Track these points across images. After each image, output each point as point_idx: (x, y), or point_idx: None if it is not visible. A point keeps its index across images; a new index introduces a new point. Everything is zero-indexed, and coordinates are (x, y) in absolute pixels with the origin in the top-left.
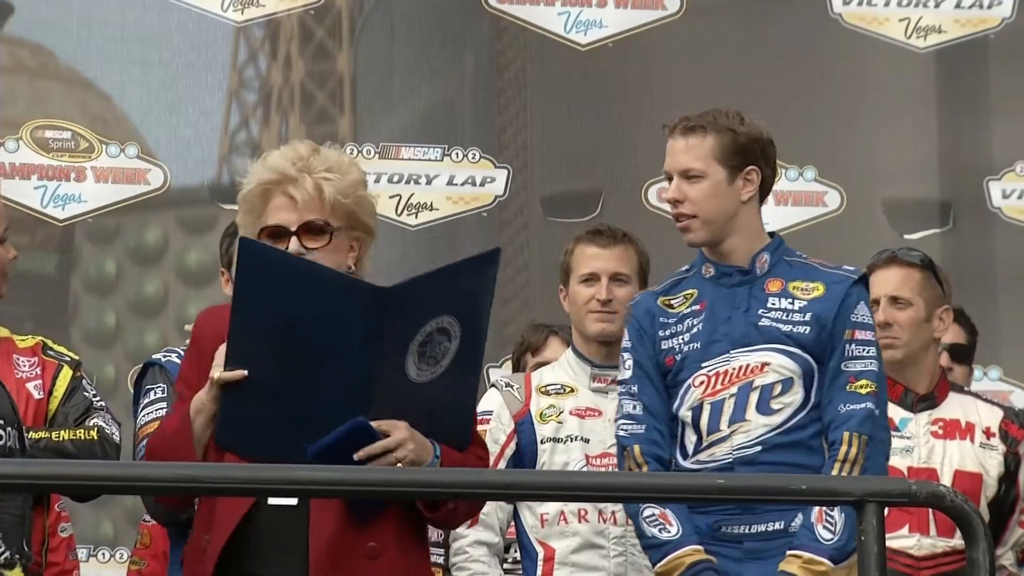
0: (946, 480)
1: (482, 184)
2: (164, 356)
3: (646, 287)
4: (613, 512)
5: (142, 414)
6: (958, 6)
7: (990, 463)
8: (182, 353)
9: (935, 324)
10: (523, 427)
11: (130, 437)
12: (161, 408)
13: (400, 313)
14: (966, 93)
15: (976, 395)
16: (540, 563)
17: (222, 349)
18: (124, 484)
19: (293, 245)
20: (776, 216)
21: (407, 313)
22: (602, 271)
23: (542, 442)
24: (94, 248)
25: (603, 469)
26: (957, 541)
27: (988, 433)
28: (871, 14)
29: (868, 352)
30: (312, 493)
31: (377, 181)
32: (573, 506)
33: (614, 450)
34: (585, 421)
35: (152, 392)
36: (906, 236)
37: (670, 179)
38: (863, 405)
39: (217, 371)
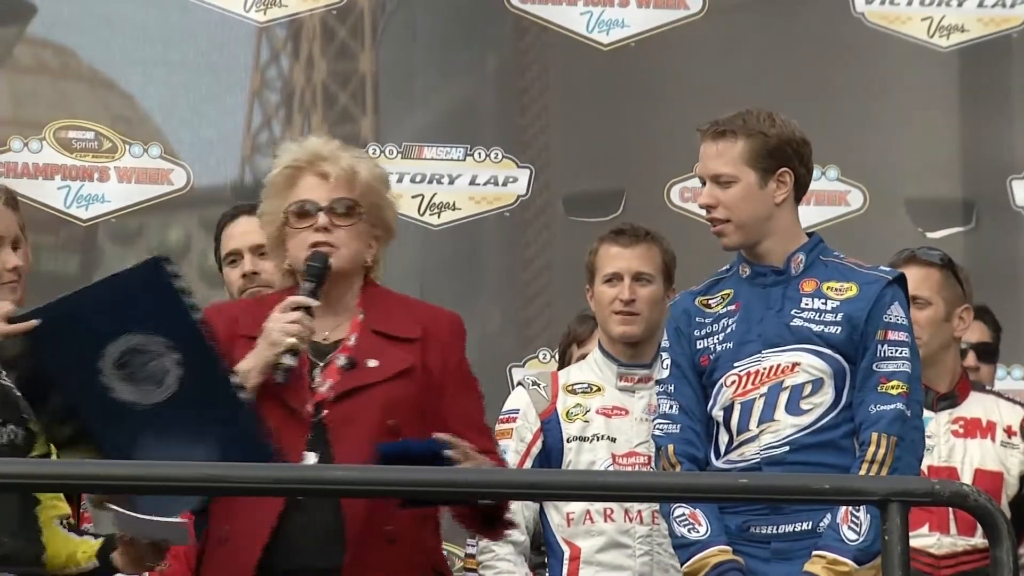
0: (966, 479)
1: (504, 184)
2: None
3: (671, 285)
4: (639, 511)
5: None
6: (981, 5)
7: (1011, 462)
8: None
9: (955, 323)
10: (549, 426)
11: None
12: None
13: (71, 336)
14: (989, 92)
15: (998, 394)
16: (566, 562)
17: (279, 316)
18: (133, 484)
19: (321, 220)
20: (800, 216)
21: (78, 335)
22: (624, 271)
23: (568, 441)
24: (117, 248)
25: (630, 468)
26: (977, 540)
27: (1009, 432)
28: (893, 13)
29: (901, 353)
30: (346, 493)
31: (400, 181)
32: (599, 505)
33: (641, 449)
34: (612, 420)
35: None
36: (929, 235)
37: (704, 183)
38: (893, 406)
39: (288, 339)
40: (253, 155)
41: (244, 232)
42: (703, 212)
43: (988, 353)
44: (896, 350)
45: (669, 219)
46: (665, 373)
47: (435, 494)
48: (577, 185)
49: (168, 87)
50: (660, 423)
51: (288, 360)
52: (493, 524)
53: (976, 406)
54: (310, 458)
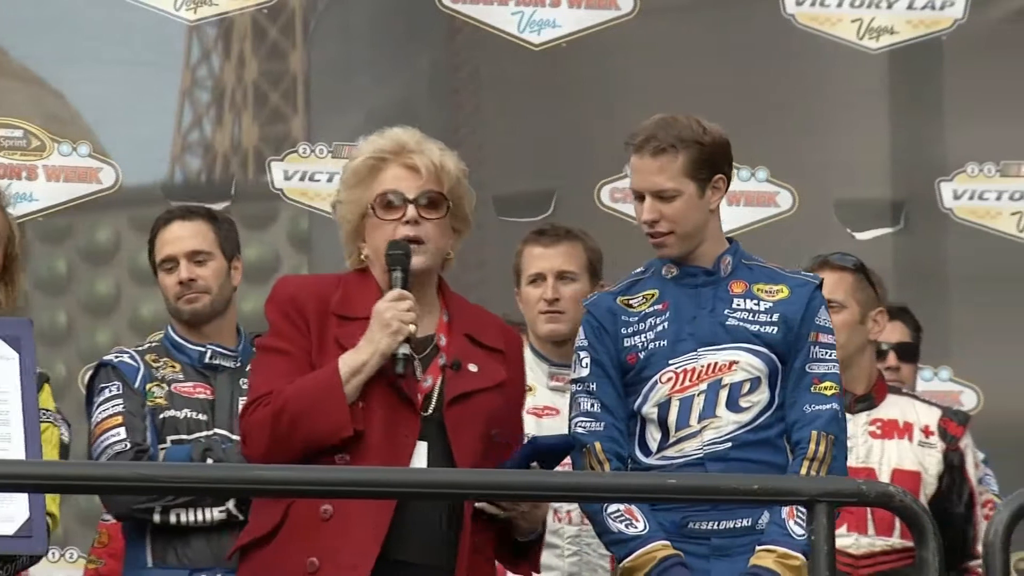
0: (884, 479)
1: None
2: (116, 356)
3: (599, 282)
4: (568, 511)
5: (97, 412)
6: (910, 7)
7: (929, 461)
8: (133, 353)
9: (870, 326)
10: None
11: (83, 437)
12: (117, 405)
13: None
14: (918, 94)
15: (914, 396)
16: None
17: (392, 304)
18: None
19: (411, 212)
20: (728, 216)
21: None
22: (547, 270)
23: None
24: (45, 247)
25: (561, 468)
26: (895, 540)
27: (927, 432)
28: (823, 15)
29: (830, 355)
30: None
31: (330, 181)
32: None
33: None
34: (543, 420)
35: (106, 391)
36: (857, 236)
37: (640, 197)
38: (829, 406)
39: (407, 328)
40: (183, 154)
41: (179, 238)
42: (635, 216)
43: (908, 353)
44: (827, 352)
45: (599, 219)
46: (584, 372)
47: (390, 494)
48: (508, 185)
49: (98, 85)
50: (583, 421)
51: (406, 350)
52: (520, 558)
53: (893, 408)
54: (422, 448)
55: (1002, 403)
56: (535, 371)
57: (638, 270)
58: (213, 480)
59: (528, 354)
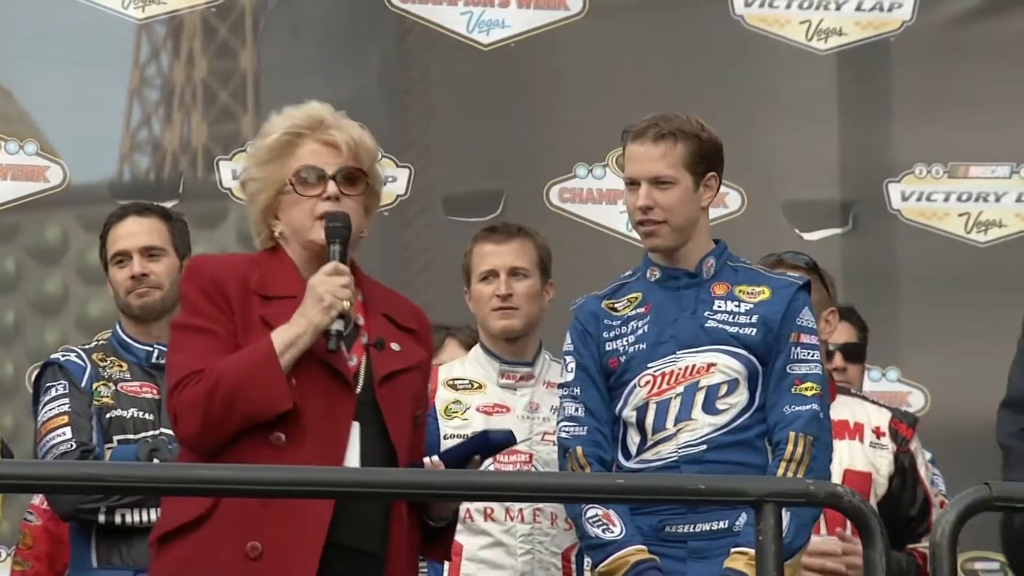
0: (836, 479)
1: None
2: (63, 355)
3: (549, 280)
4: (520, 510)
5: (43, 411)
6: (859, 8)
7: (880, 462)
8: (80, 352)
9: (822, 326)
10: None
11: (26, 436)
12: (63, 405)
13: None
14: (867, 95)
15: (864, 397)
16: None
17: (328, 279)
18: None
19: (331, 189)
20: None
21: None
22: (500, 267)
23: (445, 437)
24: None
25: (511, 467)
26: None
27: (878, 432)
28: (772, 16)
29: (812, 356)
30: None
31: None
32: (479, 504)
33: (522, 447)
34: (492, 418)
35: (52, 390)
36: (805, 237)
37: (633, 184)
38: (809, 407)
39: (341, 303)
40: (132, 153)
41: (132, 233)
42: (626, 207)
43: (855, 353)
44: (809, 353)
45: (548, 219)
46: (570, 376)
47: (389, 495)
48: (457, 185)
49: (46, 83)
50: (566, 425)
51: (339, 325)
52: (432, 543)
53: (843, 409)
54: (356, 428)
55: (950, 404)
56: (486, 369)
57: (626, 273)
58: (159, 480)
59: (479, 352)
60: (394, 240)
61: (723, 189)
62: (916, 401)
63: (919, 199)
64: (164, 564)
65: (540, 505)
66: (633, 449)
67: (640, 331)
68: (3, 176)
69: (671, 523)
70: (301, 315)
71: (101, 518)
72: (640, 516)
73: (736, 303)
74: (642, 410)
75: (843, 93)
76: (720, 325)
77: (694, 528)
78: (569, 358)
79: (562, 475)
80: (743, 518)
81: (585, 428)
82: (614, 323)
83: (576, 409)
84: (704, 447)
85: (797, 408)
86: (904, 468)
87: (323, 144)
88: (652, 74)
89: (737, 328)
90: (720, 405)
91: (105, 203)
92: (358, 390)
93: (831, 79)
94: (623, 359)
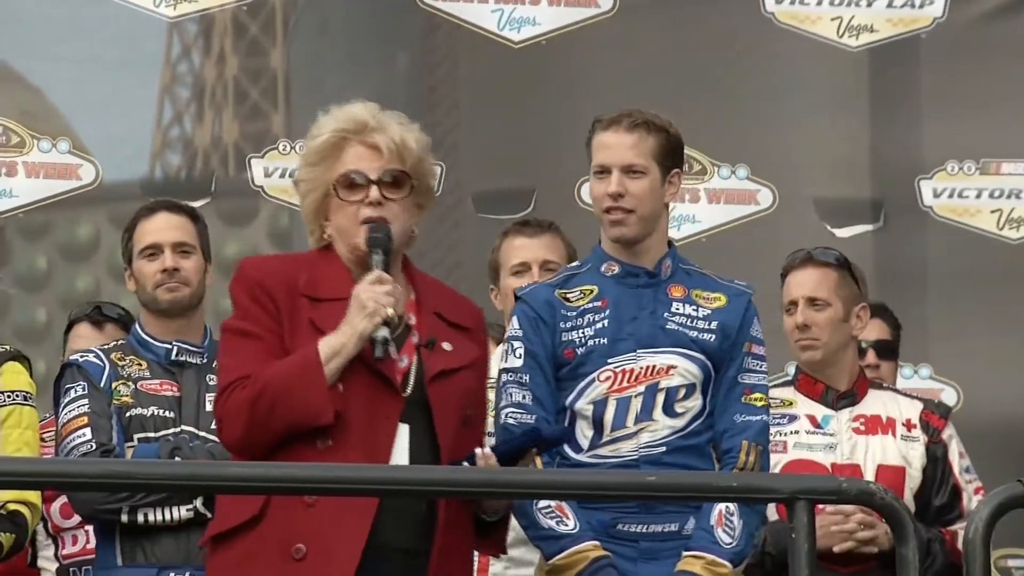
0: (869, 475)
1: (437, 176)
2: (81, 356)
3: None
4: None
5: (63, 413)
6: (890, 5)
7: (913, 455)
8: (99, 352)
9: (853, 322)
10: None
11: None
12: (82, 405)
13: None
14: (898, 92)
15: (896, 390)
16: (476, 555)
17: (371, 288)
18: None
19: (374, 193)
20: (708, 214)
21: None
22: (532, 260)
23: None
24: (25, 244)
25: None
26: None
27: (909, 425)
28: (803, 13)
29: (761, 367)
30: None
31: None
32: None
33: None
34: None
35: (72, 391)
36: (837, 234)
37: (601, 172)
38: (759, 417)
39: (386, 310)
40: (163, 151)
41: (164, 228)
42: (591, 196)
43: (888, 350)
44: (758, 364)
45: (578, 217)
46: (518, 362)
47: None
48: (487, 183)
49: (78, 82)
50: (513, 412)
51: (385, 333)
52: (486, 538)
53: (875, 403)
54: (404, 430)
55: (982, 401)
56: None
57: (573, 264)
58: (183, 477)
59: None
60: (423, 238)
61: (754, 186)
62: (948, 398)
63: (951, 196)
64: (216, 568)
65: None
66: (584, 443)
67: (599, 325)
68: (35, 174)
69: (625, 521)
70: (347, 323)
71: (124, 517)
72: (591, 511)
73: (694, 307)
74: (600, 405)
75: (874, 90)
76: (680, 328)
77: (647, 528)
78: (517, 343)
79: (592, 473)
80: (692, 522)
81: (533, 416)
82: (569, 313)
83: (524, 396)
84: (663, 449)
85: (748, 417)
86: (936, 458)
87: (367, 147)
88: (682, 71)
89: (696, 332)
90: (679, 408)
91: (137, 201)
92: (408, 391)
93: (862, 76)
94: (580, 351)
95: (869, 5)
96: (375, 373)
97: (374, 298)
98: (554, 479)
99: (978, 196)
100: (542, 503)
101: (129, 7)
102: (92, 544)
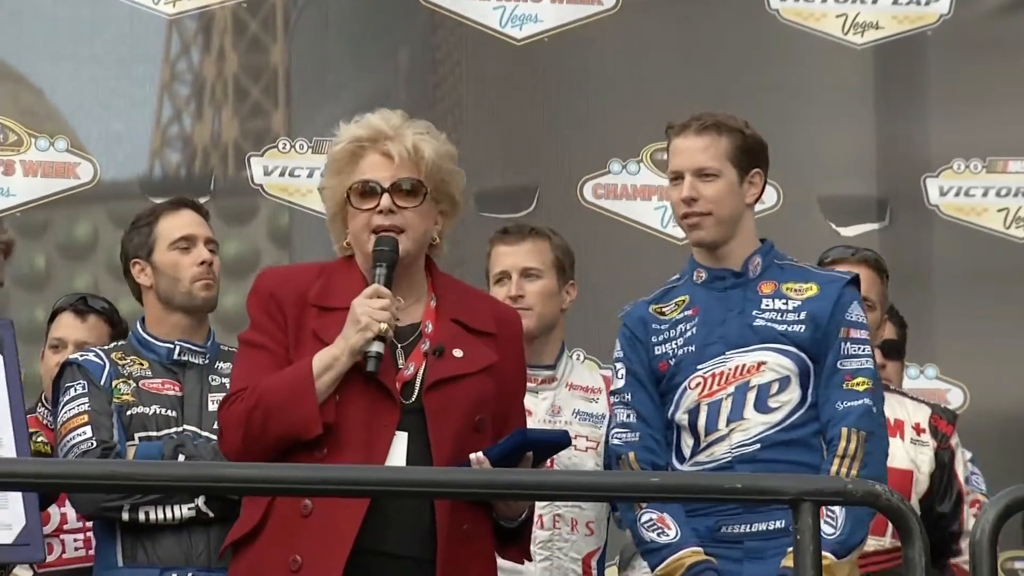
0: None
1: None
2: (81, 355)
3: (567, 280)
4: (540, 516)
5: (63, 411)
6: (896, 2)
7: (921, 459)
8: (99, 351)
9: (883, 327)
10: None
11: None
12: (82, 404)
13: None
14: (903, 90)
15: (903, 393)
16: None
17: (367, 302)
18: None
19: (384, 202)
20: None
21: None
22: (511, 267)
23: None
24: (23, 242)
25: None
26: (887, 540)
27: (918, 429)
28: (808, 10)
29: (863, 350)
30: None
31: (310, 176)
32: None
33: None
34: None
35: (71, 390)
36: (843, 232)
37: (677, 178)
38: (861, 402)
39: (378, 325)
40: (162, 149)
41: (193, 223)
42: (671, 202)
43: (893, 351)
44: (859, 348)
45: (582, 216)
46: (621, 383)
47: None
48: (489, 181)
49: (77, 80)
50: (619, 432)
51: (378, 347)
52: (508, 544)
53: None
54: (401, 438)
55: (989, 402)
56: None
57: (673, 277)
58: (186, 478)
59: None
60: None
61: None
62: (955, 399)
63: (957, 194)
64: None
65: (560, 511)
66: (687, 452)
67: (688, 333)
68: (34, 173)
69: (727, 524)
70: (341, 337)
71: (125, 516)
72: (696, 518)
73: (784, 301)
74: (694, 412)
75: (880, 87)
76: (768, 323)
77: (750, 528)
78: (619, 364)
79: (595, 474)
80: None
81: (637, 434)
82: (662, 327)
83: (628, 415)
84: (758, 446)
85: (849, 404)
86: (943, 464)
87: (382, 156)
88: (686, 69)
89: (786, 326)
90: (772, 403)
91: (135, 200)
92: (412, 399)
93: (867, 73)
94: (672, 362)
95: (874, 2)
96: (374, 381)
97: (368, 313)
98: (544, 480)
99: (985, 195)
100: (644, 518)
101: (128, 4)
102: (69, 554)
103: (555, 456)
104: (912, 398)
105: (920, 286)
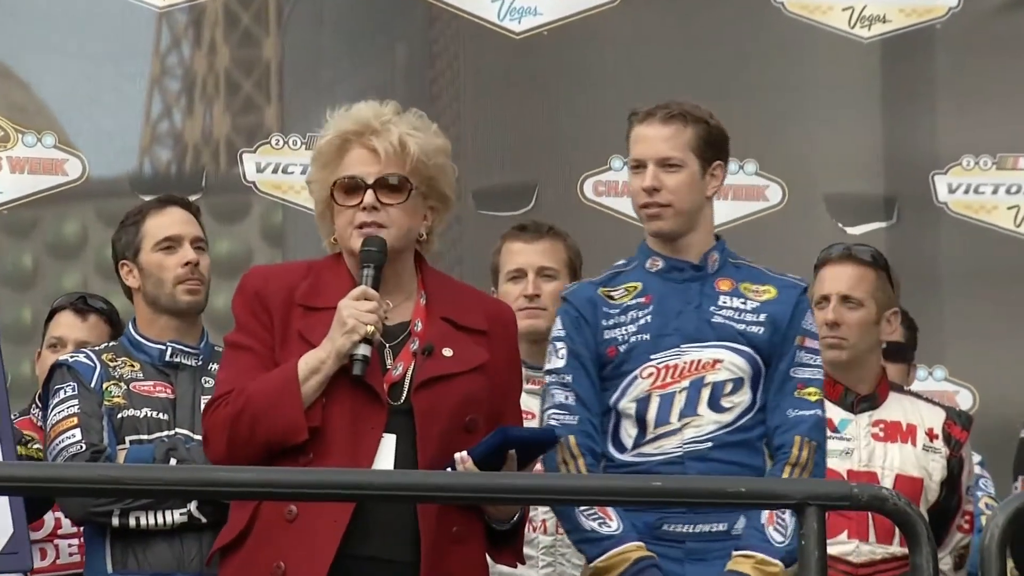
0: (887, 484)
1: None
2: (71, 356)
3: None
4: (544, 521)
5: (52, 414)
6: None
7: (933, 467)
8: (90, 353)
9: (883, 326)
10: None
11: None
12: (72, 406)
13: None
14: (911, 85)
15: (917, 395)
16: None
17: (353, 304)
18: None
19: (368, 198)
20: (716, 210)
21: None
22: (528, 265)
23: None
24: (10, 241)
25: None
26: (895, 548)
27: (931, 435)
28: (813, 3)
29: (815, 361)
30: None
31: (304, 173)
32: None
33: None
34: None
35: (61, 392)
36: (849, 231)
37: (639, 166)
38: (813, 412)
39: (365, 328)
40: (152, 145)
41: (181, 222)
42: (631, 192)
43: (898, 353)
44: (812, 358)
45: (582, 213)
46: (561, 363)
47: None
48: (488, 178)
49: (63, 74)
50: (556, 413)
51: (364, 350)
52: (501, 547)
53: (896, 408)
54: (389, 440)
55: (998, 403)
56: None
57: (620, 262)
58: (178, 482)
59: None
60: None
61: (763, 182)
62: (964, 401)
63: (966, 192)
64: None
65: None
66: (629, 442)
67: (642, 321)
68: (21, 169)
69: (670, 522)
70: (328, 339)
71: (115, 521)
72: (637, 513)
73: (742, 300)
74: (643, 402)
75: (887, 82)
76: (727, 321)
77: (694, 528)
78: (560, 344)
79: (591, 478)
80: (742, 521)
81: (576, 417)
82: (612, 311)
83: (567, 397)
84: (710, 444)
85: (800, 412)
86: (953, 474)
87: (367, 150)
88: (689, 63)
89: (744, 325)
90: (725, 403)
91: (125, 197)
92: (401, 399)
93: (874, 68)
94: (622, 348)
95: None
96: (360, 382)
97: (355, 315)
98: (538, 484)
99: (994, 192)
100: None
101: None
102: (63, 560)
103: None
104: (926, 400)
105: (928, 286)
